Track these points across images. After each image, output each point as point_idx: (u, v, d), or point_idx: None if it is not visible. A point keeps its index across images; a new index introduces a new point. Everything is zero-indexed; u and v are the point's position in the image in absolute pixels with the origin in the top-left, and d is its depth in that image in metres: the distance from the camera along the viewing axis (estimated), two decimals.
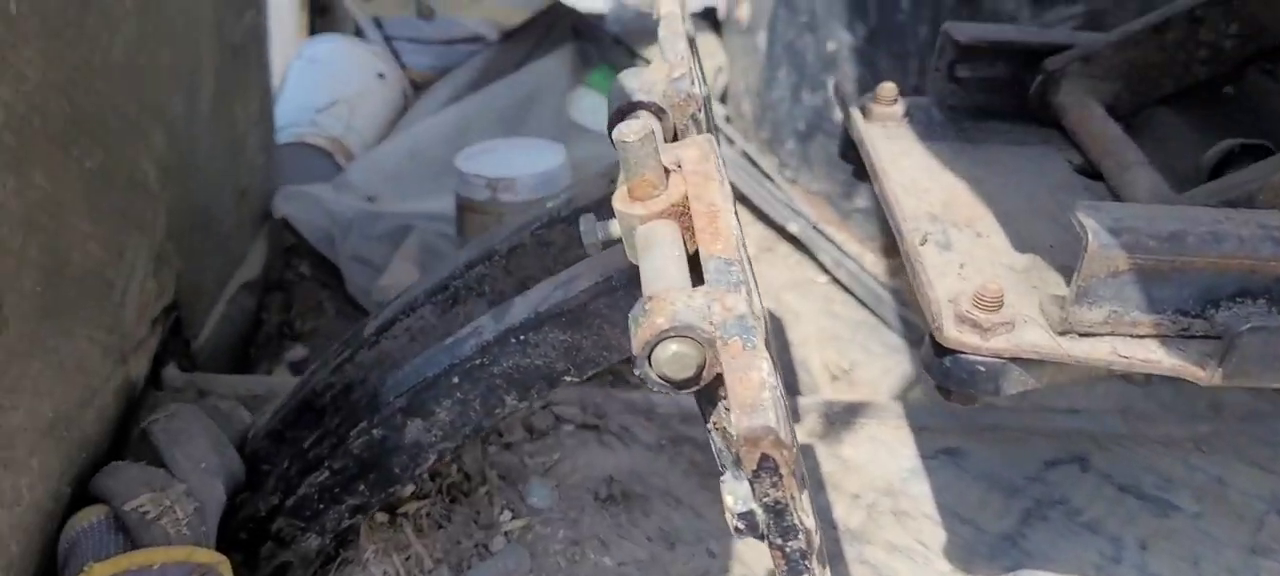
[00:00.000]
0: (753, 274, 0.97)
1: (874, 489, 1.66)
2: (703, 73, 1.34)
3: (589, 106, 2.95)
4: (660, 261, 0.95)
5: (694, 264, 0.96)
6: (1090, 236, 0.98)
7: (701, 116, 1.21)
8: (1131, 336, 1.03)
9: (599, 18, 3.26)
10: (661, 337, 0.85)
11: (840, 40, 2.65)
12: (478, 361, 1.16)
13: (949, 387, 1.06)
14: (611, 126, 1.23)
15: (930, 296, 1.06)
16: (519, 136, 2.70)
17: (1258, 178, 1.08)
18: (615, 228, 1.05)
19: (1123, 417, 1.86)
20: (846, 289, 2.68)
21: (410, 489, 1.49)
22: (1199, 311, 1.02)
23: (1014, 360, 1.04)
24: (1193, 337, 1.03)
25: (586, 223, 1.05)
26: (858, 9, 2.58)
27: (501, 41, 2.96)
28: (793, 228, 2.78)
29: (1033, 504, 1.66)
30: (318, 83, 2.74)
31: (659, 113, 1.19)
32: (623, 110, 1.20)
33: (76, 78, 1.24)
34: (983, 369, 1.03)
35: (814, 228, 2.75)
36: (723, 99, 3.22)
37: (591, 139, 2.83)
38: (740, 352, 0.82)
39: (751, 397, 0.78)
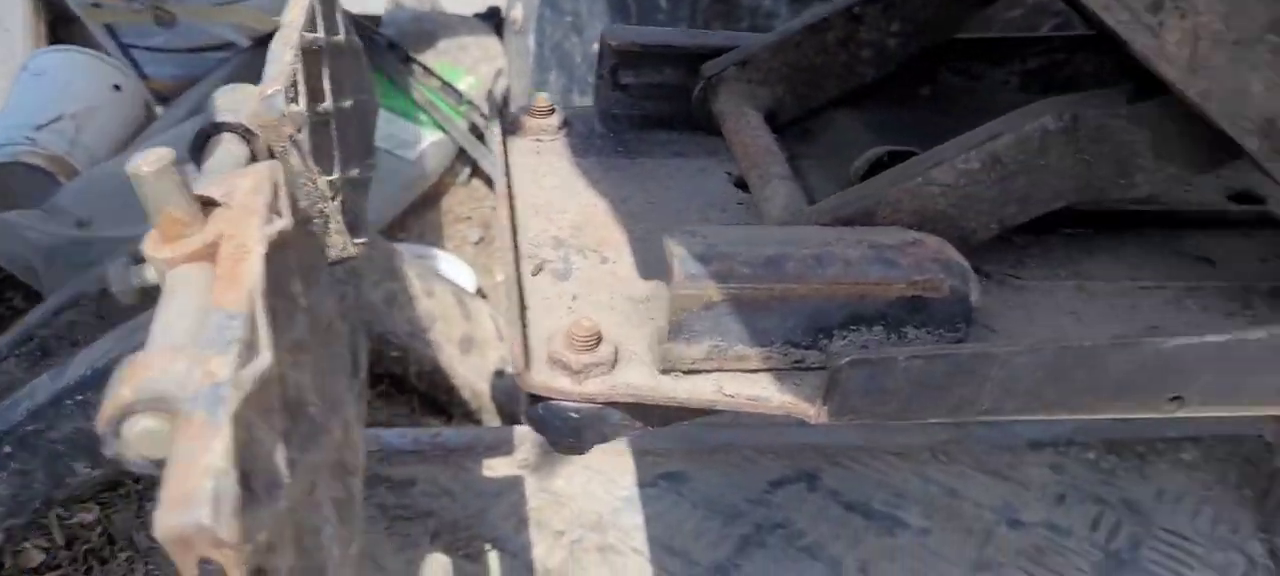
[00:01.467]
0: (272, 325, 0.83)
1: (581, 524, 1.55)
2: (331, 86, 1.21)
3: None
4: (172, 316, 0.81)
5: None
6: (676, 266, 0.88)
7: (304, 137, 1.08)
8: (740, 371, 0.93)
9: (373, 20, 3.09)
10: (128, 411, 0.72)
11: None
12: (30, 427, 1.00)
13: (549, 438, 0.95)
14: (193, 153, 1.09)
15: (525, 335, 0.94)
16: None
17: (875, 192, 1.00)
18: (153, 273, 0.91)
19: (858, 428, 1.80)
20: None
21: (40, 558, 1.33)
22: (811, 342, 0.93)
23: (613, 404, 0.93)
24: (808, 370, 0.94)
25: (116, 269, 0.92)
26: (619, 8, 2.48)
27: (254, 48, 2.76)
28: None
29: (752, 529, 1.58)
30: (42, 98, 2.51)
31: (247, 135, 1.06)
32: (204, 133, 1.06)
33: None
34: (576, 415, 0.92)
35: None
36: (505, 103, 3.10)
37: None
38: (195, 430, 0.68)
39: (186, 488, 0.65)
